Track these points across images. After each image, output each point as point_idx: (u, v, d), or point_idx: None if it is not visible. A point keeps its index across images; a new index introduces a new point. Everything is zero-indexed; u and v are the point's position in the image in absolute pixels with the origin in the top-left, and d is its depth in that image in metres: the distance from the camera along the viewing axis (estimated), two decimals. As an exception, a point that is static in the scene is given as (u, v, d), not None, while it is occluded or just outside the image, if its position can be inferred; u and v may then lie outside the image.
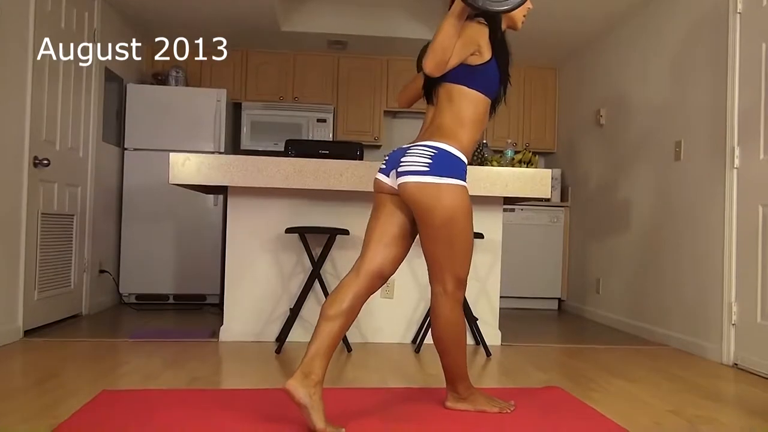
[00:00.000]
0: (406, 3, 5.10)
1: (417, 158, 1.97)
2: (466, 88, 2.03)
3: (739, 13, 3.23)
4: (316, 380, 1.88)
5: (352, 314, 2.00)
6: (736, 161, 3.21)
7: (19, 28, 3.29)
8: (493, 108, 2.17)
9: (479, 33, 1.99)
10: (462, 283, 2.07)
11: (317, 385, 1.88)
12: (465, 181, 2.01)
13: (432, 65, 1.87)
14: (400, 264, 2.10)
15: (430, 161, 1.95)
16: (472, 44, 1.97)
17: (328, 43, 5.38)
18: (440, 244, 2.01)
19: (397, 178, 2.01)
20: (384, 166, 2.09)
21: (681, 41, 3.77)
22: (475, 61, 2.01)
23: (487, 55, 2.03)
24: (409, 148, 2.02)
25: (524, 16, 2.16)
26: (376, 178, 2.12)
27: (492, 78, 2.08)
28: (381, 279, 2.05)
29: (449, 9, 1.99)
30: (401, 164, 2.00)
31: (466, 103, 2.04)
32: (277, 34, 5.14)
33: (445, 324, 2.07)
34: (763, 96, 3.05)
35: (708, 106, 3.46)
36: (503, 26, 2.13)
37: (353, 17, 5.08)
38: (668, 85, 3.89)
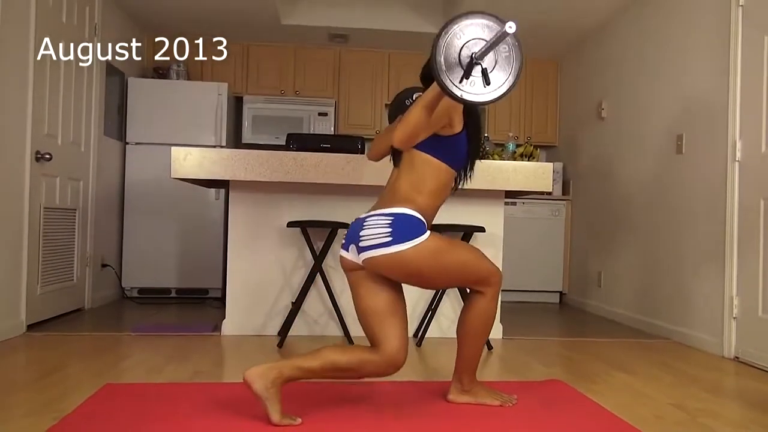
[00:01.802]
0: (408, -4, 5.08)
1: (376, 230, 1.95)
2: (431, 157, 2.02)
3: (741, 5, 3.22)
4: (278, 377, 1.88)
5: (342, 374, 1.97)
6: (738, 154, 3.21)
7: (21, 23, 3.29)
8: (461, 176, 2.16)
9: (453, 107, 1.95)
10: (491, 279, 2.07)
11: (277, 380, 1.87)
12: (426, 232, 1.97)
13: (403, 141, 1.87)
14: (407, 335, 2.04)
15: (390, 230, 1.94)
16: (444, 117, 1.95)
17: (329, 36, 5.36)
18: (444, 283, 2.07)
19: (359, 253, 1.98)
20: (344, 241, 2.06)
21: (682, 34, 3.75)
22: (445, 132, 2.00)
23: (458, 128, 2.02)
24: (365, 220, 2.00)
25: None
26: (340, 256, 2.09)
27: (460, 149, 2.07)
28: (395, 367, 1.99)
29: (421, 78, 2.04)
30: (361, 239, 1.97)
31: (429, 172, 2.02)
32: (278, 28, 5.13)
33: (477, 312, 2.09)
34: (764, 89, 3.05)
35: (709, 99, 3.45)
36: None
37: (354, 10, 5.07)
38: (670, 78, 3.88)
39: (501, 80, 1.73)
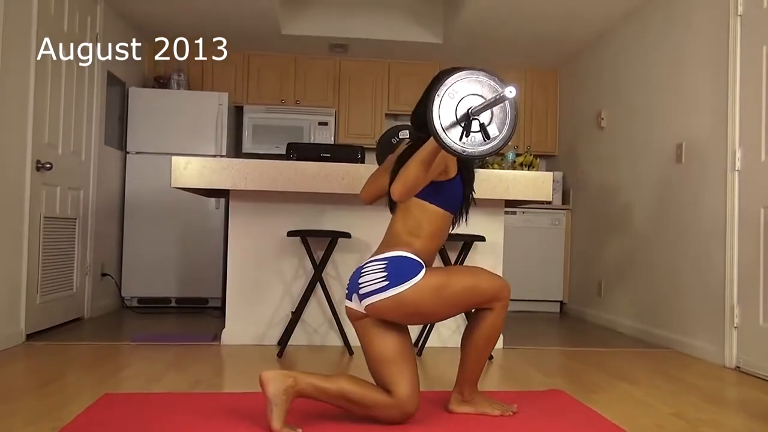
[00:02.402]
0: (407, 6, 5.11)
1: (372, 276, 1.97)
2: (427, 203, 2.04)
3: (740, 15, 3.24)
4: (293, 385, 1.87)
5: (350, 405, 1.96)
6: (738, 163, 3.21)
7: (22, 33, 3.30)
8: (457, 219, 2.17)
9: (448, 155, 1.97)
10: (498, 296, 2.06)
11: (290, 389, 1.87)
12: (423, 269, 1.98)
13: (402, 195, 1.89)
14: (418, 380, 2.04)
15: (386, 273, 1.95)
16: (440, 165, 1.98)
17: (330, 46, 5.39)
18: (450, 314, 2.05)
19: (360, 301, 2.00)
20: (347, 291, 2.08)
21: (681, 43, 3.77)
22: (441, 178, 2.03)
23: (452, 173, 2.05)
24: (362, 268, 2.02)
25: None
26: (346, 307, 2.10)
27: (455, 193, 2.09)
28: (407, 416, 1.99)
29: (412, 120, 2.05)
30: (360, 287, 2.00)
31: (426, 217, 2.04)
32: (279, 38, 5.15)
33: (485, 327, 2.08)
34: (764, 98, 3.06)
35: (709, 108, 3.46)
36: None
37: (354, 21, 5.09)
38: (669, 87, 3.89)
39: (498, 132, 1.76)
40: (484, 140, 1.74)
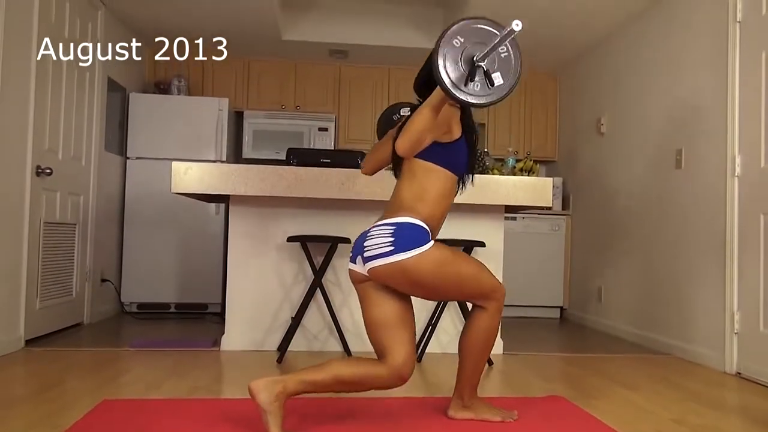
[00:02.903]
0: (407, 12, 5.13)
1: (378, 240, 1.97)
2: (432, 164, 2.04)
3: (739, 21, 3.25)
4: (282, 391, 1.87)
5: (349, 387, 1.96)
6: (737, 169, 3.22)
7: (23, 38, 3.31)
8: (462, 182, 2.17)
9: (451, 114, 2.00)
10: (494, 295, 2.07)
11: (281, 395, 1.87)
12: (429, 241, 1.98)
13: (406, 149, 1.89)
14: (416, 349, 2.04)
15: (392, 239, 1.95)
16: (444, 124, 1.99)
17: (330, 52, 5.40)
18: (447, 295, 2.06)
19: (364, 264, 2.00)
20: (351, 254, 2.08)
21: (681, 49, 3.78)
22: (445, 139, 2.03)
23: (457, 134, 2.05)
24: (369, 231, 2.02)
25: None
26: (349, 269, 2.10)
27: (460, 155, 2.09)
28: (402, 380, 1.98)
29: (415, 87, 2.06)
30: (365, 249, 1.99)
31: (432, 179, 2.03)
32: (279, 43, 5.17)
33: (479, 330, 2.09)
34: (763, 104, 3.06)
35: (708, 114, 3.47)
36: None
37: (355, 27, 5.11)
38: (669, 93, 3.90)
39: (503, 80, 1.77)
40: (488, 87, 1.74)
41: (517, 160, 5.52)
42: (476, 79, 1.74)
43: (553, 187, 5.50)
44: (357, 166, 3.82)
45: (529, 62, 5.51)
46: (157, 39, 5.03)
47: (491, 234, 3.54)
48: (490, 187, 3.20)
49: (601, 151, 4.87)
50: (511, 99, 5.79)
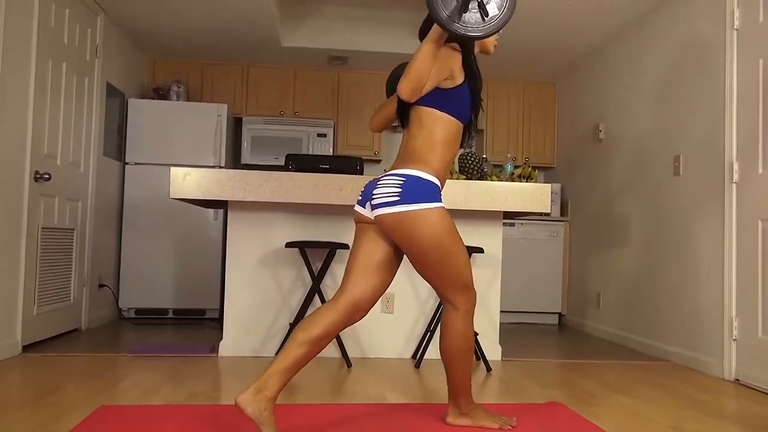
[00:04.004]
0: (406, 19, 5.14)
1: (387, 189, 1.98)
2: (437, 111, 2.05)
3: (736, 29, 3.26)
4: (268, 396, 1.87)
5: (321, 343, 1.97)
6: (735, 176, 3.22)
7: (22, 44, 3.32)
8: (467, 131, 2.18)
9: (452, 58, 2.02)
10: (467, 294, 2.07)
11: (269, 401, 1.87)
12: (439, 201, 2.00)
13: (408, 90, 1.89)
14: (382, 294, 2.08)
15: (399, 190, 1.96)
16: (446, 69, 2.00)
17: (329, 58, 5.41)
18: (431, 267, 2.03)
19: (372, 210, 2.02)
20: (360, 198, 2.10)
21: (679, 56, 3.79)
22: (448, 85, 2.04)
23: (459, 79, 2.06)
24: (379, 179, 2.04)
25: (496, 40, 2.19)
26: (355, 209, 2.13)
27: (464, 101, 2.09)
28: (360, 312, 2.03)
29: (420, 38, 2.06)
30: (373, 197, 2.01)
31: (438, 125, 2.05)
32: (278, 50, 5.18)
33: (455, 335, 2.08)
34: (761, 111, 3.07)
35: (706, 121, 3.48)
36: (475, 51, 2.15)
37: (353, 33, 5.12)
38: (667, 99, 3.91)
39: (497, 11, 1.78)
40: (483, 19, 1.75)
41: (516, 166, 5.52)
42: (470, 10, 1.74)
43: (552, 193, 5.53)
44: (356, 172, 3.83)
45: (527, 69, 5.54)
46: (156, 45, 5.04)
47: (489, 240, 3.55)
48: (489, 193, 3.20)
49: (599, 157, 4.88)
50: (509, 105, 5.81)
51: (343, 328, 2.02)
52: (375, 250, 2.06)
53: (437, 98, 2.04)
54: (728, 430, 2.32)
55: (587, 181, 5.11)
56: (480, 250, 3.30)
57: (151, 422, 2.13)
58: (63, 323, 3.92)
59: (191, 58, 5.48)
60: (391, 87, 2.48)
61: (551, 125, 5.87)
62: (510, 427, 2.16)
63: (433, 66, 1.91)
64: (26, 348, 3.42)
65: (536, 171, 5.53)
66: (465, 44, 2.07)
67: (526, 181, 5.35)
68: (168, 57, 5.47)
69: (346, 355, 3.27)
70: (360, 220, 2.10)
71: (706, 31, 3.51)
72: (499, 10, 1.78)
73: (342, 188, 3.13)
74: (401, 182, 1.98)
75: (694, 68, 3.62)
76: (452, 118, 2.06)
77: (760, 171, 3.07)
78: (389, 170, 2.05)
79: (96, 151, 4.34)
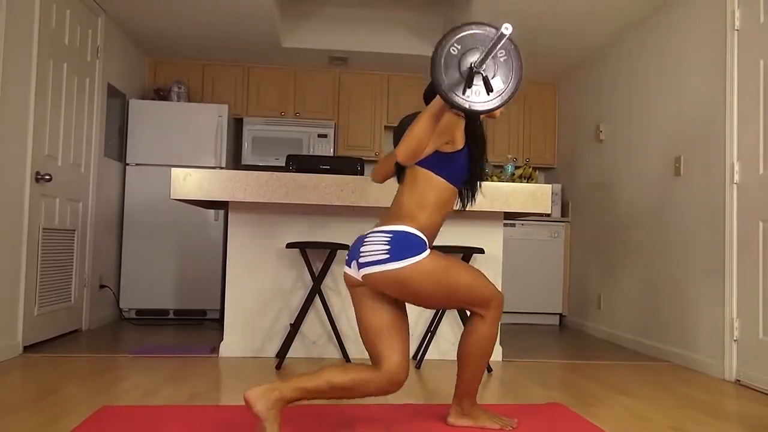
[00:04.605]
0: (406, 20, 5.15)
1: (374, 246, 1.96)
2: (432, 174, 2.04)
3: (737, 30, 3.26)
4: (279, 398, 1.86)
5: (344, 393, 1.94)
6: (736, 177, 3.22)
7: (23, 45, 3.32)
8: (470, 194, 2.18)
9: (455, 123, 1.99)
10: (491, 303, 2.06)
11: (278, 402, 1.86)
12: (426, 250, 1.98)
13: (406, 155, 1.89)
14: (409, 352, 2.03)
15: (388, 247, 1.94)
16: (447, 134, 1.99)
17: (330, 59, 5.42)
18: (443, 304, 2.04)
19: (359, 269, 1.99)
20: (347, 257, 2.07)
21: (679, 57, 3.79)
22: (447, 149, 2.03)
23: (459, 144, 2.05)
24: (366, 237, 2.01)
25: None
26: (344, 272, 2.09)
27: (460, 167, 2.08)
28: (397, 386, 1.97)
29: (425, 98, 2.05)
30: (360, 255, 1.98)
31: (431, 188, 2.03)
32: (279, 50, 5.18)
33: (480, 338, 2.08)
34: (761, 111, 3.07)
35: (707, 121, 3.48)
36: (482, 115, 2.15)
37: (354, 34, 5.12)
38: (667, 100, 3.91)
39: (503, 86, 1.76)
40: (487, 94, 1.73)
41: (516, 167, 5.53)
42: (475, 85, 1.73)
43: (552, 193, 5.53)
44: (356, 173, 3.84)
45: (528, 70, 5.53)
46: (157, 46, 5.05)
47: (490, 241, 3.55)
48: (489, 193, 3.20)
49: (600, 158, 4.88)
50: (510, 106, 5.81)
51: (372, 395, 1.96)
52: (380, 315, 2.01)
53: (435, 161, 2.03)
54: (729, 430, 2.32)
55: (588, 182, 5.11)
56: (480, 251, 3.30)
57: (152, 423, 2.14)
58: (64, 324, 3.92)
59: (192, 58, 5.48)
60: (400, 137, 2.47)
61: (552, 126, 5.87)
62: (511, 428, 2.16)
63: (433, 134, 1.91)
64: (27, 348, 3.42)
65: (537, 172, 5.53)
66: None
67: (527, 182, 5.35)
68: (169, 58, 5.47)
69: (347, 355, 3.27)
70: (351, 284, 2.06)
71: (707, 32, 3.51)
72: (504, 84, 1.76)
73: (343, 189, 3.13)
74: (388, 239, 1.96)
75: (695, 69, 3.62)
76: (446, 182, 2.05)
77: (761, 171, 3.06)
78: (376, 227, 2.03)
79: (97, 151, 4.34)
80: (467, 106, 1.73)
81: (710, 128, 3.45)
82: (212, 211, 4.95)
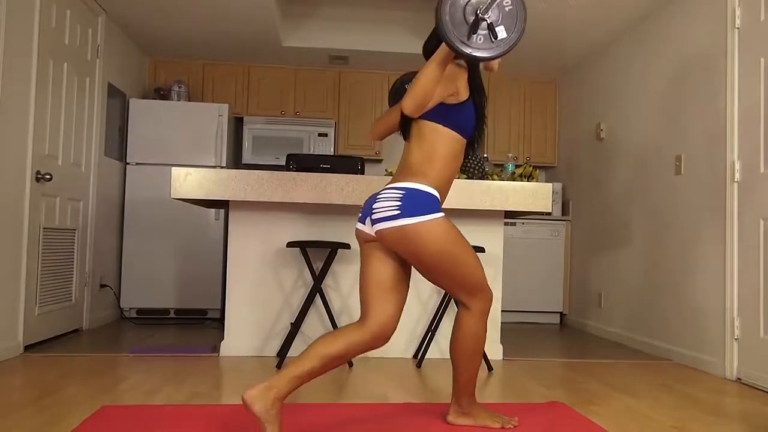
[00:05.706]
0: (406, 19, 5.14)
1: (386, 203, 1.97)
2: (440, 126, 2.04)
3: (738, 28, 3.26)
4: (277, 396, 1.86)
5: (336, 362, 1.94)
6: (737, 175, 3.22)
7: (24, 45, 3.32)
8: (470, 146, 2.17)
9: (458, 74, 2.01)
10: (481, 295, 2.07)
11: (276, 401, 1.86)
12: (440, 211, 1.99)
13: (412, 108, 1.89)
14: (400, 314, 2.05)
15: (399, 203, 1.95)
16: (451, 86, 2.00)
17: (330, 58, 5.41)
18: (441, 276, 2.03)
19: (372, 225, 2.00)
20: (360, 215, 2.09)
21: (680, 56, 3.79)
22: (452, 101, 2.03)
23: (464, 95, 2.05)
24: (378, 194, 2.02)
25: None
26: (356, 228, 2.11)
27: (467, 118, 2.08)
28: (382, 340, 2.00)
29: (424, 53, 2.06)
30: (373, 212, 1.99)
31: (440, 140, 2.04)
32: (279, 50, 5.18)
33: (466, 335, 2.08)
34: (762, 109, 3.07)
35: (708, 120, 3.48)
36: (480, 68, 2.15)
37: (354, 33, 5.12)
38: (668, 98, 3.90)
39: (506, 34, 1.77)
40: (492, 41, 1.74)
41: (517, 166, 5.51)
42: (480, 32, 1.74)
43: (553, 192, 5.53)
44: (357, 172, 3.84)
45: (529, 68, 5.54)
46: (157, 46, 5.04)
47: (491, 239, 3.54)
48: (490, 192, 3.20)
49: (600, 156, 4.88)
50: (511, 104, 5.81)
51: (362, 353, 1.99)
52: (384, 269, 2.03)
53: (440, 113, 2.03)
54: (730, 429, 2.32)
55: (589, 180, 5.11)
56: (481, 250, 3.30)
57: (153, 422, 2.14)
58: (64, 323, 3.93)
59: (192, 58, 5.48)
60: (394, 98, 2.47)
61: (552, 125, 5.87)
62: (511, 427, 2.16)
63: (438, 84, 1.91)
64: (28, 348, 3.42)
65: (537, 170, 5.51)
66: (471, 62, 2.06)
67: (528, 181, 5.34)
68: (169, 57, 5.47)
69: (348, 354, 3.27)
70: (362, 239, 2.08)
71: (707, 31, 3.51)
72: (508, 33, 1.77)
73: (343, 188, 3.13)
74: (400, 195, 1.96)
75: (695, 67, 3.62)
76: (454, 133, 2.05)
77: (762, 170, 3.06)
78: (389, 185, 2.04)
79: (97, 151, 4.34)
80: (471, 53, 1.74)
81: (711, 126, 3.44)
82: (213, 210, 4.95)
